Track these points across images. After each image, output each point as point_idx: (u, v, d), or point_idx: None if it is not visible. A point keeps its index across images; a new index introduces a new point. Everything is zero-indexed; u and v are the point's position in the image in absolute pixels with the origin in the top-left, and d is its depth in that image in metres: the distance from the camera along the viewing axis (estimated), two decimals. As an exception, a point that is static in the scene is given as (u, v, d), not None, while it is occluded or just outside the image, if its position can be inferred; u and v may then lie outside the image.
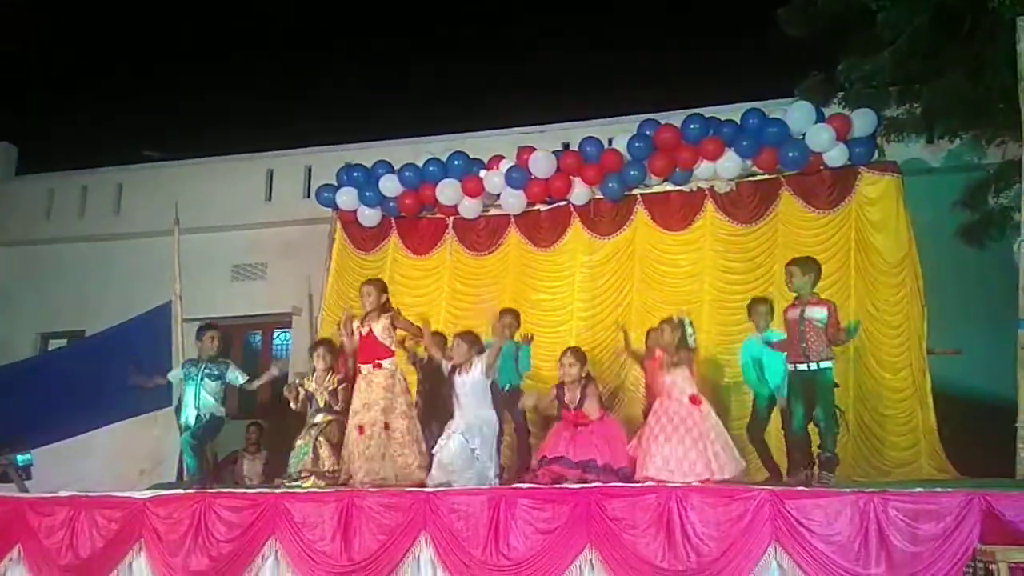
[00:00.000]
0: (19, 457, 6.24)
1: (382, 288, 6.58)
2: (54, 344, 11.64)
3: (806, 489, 4.38)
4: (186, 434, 6.81)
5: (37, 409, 7.40)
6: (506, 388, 6.77)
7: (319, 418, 6.42)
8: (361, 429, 6.01)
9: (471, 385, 5.95)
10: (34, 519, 5.34)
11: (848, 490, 4.28)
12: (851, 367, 7.48)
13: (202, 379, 6.87)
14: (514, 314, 7.26)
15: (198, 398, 6.81)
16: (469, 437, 5.69)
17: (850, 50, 8.47)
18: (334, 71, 15.47)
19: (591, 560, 4.45)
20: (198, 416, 6.79)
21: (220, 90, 14.94)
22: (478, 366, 5.96)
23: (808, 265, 6.16)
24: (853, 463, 7.06)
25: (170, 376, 7.22)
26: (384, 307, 6.43)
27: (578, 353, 6.21)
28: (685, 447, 5.50)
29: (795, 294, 6.16)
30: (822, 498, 4.24)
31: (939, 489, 4.34)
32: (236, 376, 7.00)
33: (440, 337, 7.15)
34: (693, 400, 5.74)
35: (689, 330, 5.94)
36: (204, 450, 7.03)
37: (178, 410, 7.14)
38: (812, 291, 6.08)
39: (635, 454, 5.70)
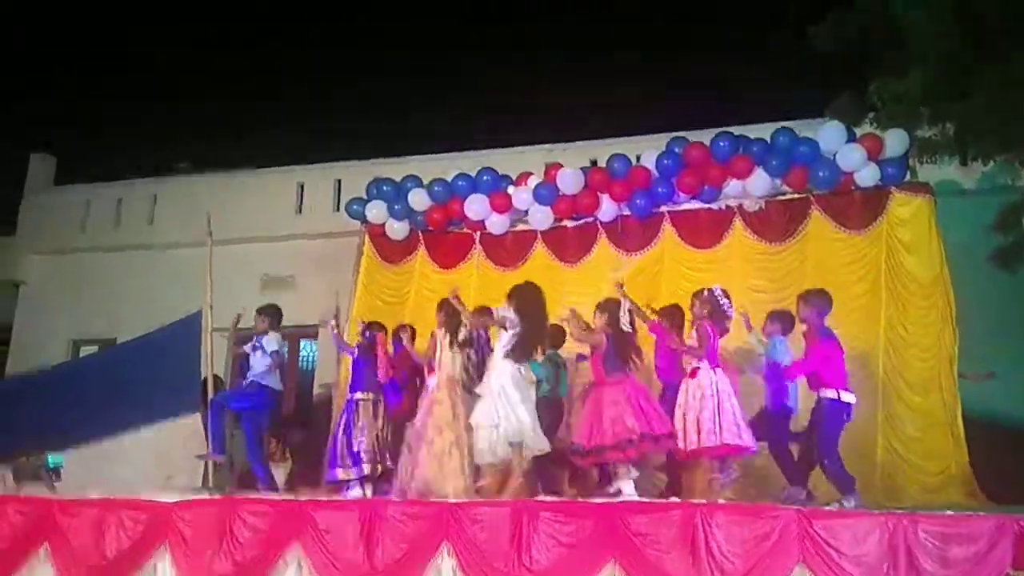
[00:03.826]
0: (50, 459, 6.34)
1: None
2: (86, 351, 11.83)
3: (834, 510, 4.32)
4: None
5: (68, 413, 7.49)
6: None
7: (358, 395, 6.97)
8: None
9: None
10: (62, 519, 5.42)
11: (878, 512, 4.21)
12: (879, 390, 7.39)
13: (253, 351, 7.49)
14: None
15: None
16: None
17: (882, 70, 8.43)
18: (364, 87, 15.68)
19: (614, 575, 4.41)
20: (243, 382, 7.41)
21: (253, 105, 15.20)
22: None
23: (806, 297, 6.25)
24: (881, 487, 6.93)
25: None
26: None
27: (601, 304, 6.22)
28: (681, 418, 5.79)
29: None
30: (850, 519, 4.18)
31: (971, 513, 4.25)
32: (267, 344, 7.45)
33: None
34: (692, 374, 5.89)
35: (723, 301, 6.06)
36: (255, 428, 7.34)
37: None
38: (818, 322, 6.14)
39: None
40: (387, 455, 6.90)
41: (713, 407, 5.77)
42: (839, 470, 5.69)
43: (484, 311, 6.94)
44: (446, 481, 6.01)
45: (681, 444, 5.85)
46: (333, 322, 7.63)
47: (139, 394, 7.71)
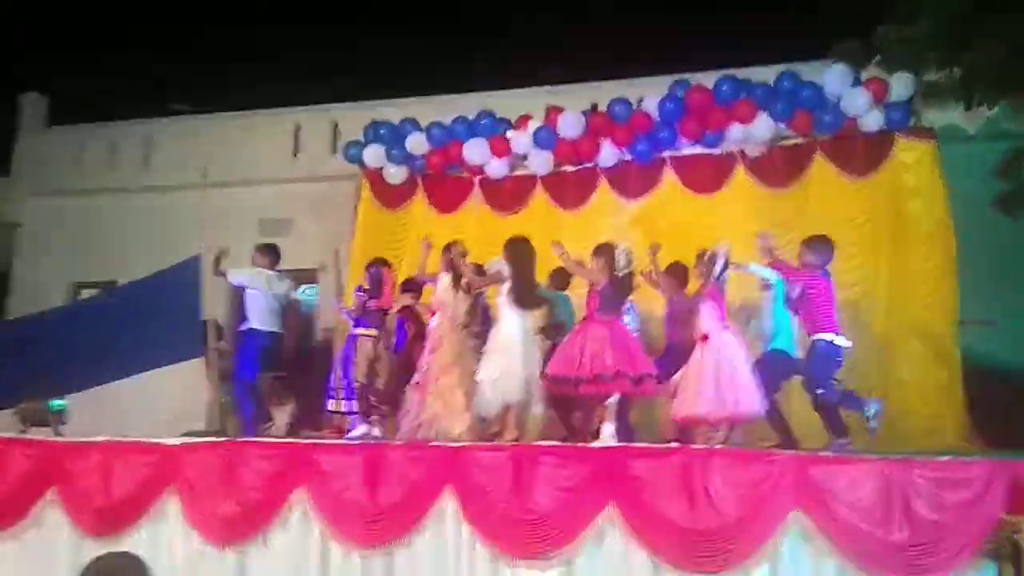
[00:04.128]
0: (55, 402, 6.39)
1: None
2: (86, 294, 11.83)
3: (830, 455, 4.39)
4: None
5: (70, 357, 7.57)
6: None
7: (359, 330, 6.93)
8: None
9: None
10: (69, 462, 5.49)
11: (873, 457, 4.27)
12: (879, 336, 7.44)
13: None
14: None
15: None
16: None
17: (888, 12, 8.26)
18: (362, 28, 15.35)
19: (612, 518, 4.50)
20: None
21: (249, 45, 14.89)
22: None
23: (810, 243, 6.22)
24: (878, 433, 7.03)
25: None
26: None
27: (597, 249, 6.13)
28: (691, 384, 5.75)
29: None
30: (846, 464, 4.24)
31: (966, 458, 4.32)
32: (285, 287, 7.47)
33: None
34: (703, 338, 5.87)
35: (719, 264, 5.96)
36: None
37: None
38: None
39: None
40: (370, 392, 6.93)
41: (730, 372, 5.71)
42: (833, 394, 5.79)
43: (478, 270, 7.01)
44: (452, 420, 6.16)
45: (684, 407, 5.80)
46: (339, 305, 7.69)
47: (140, 338, 7.76)
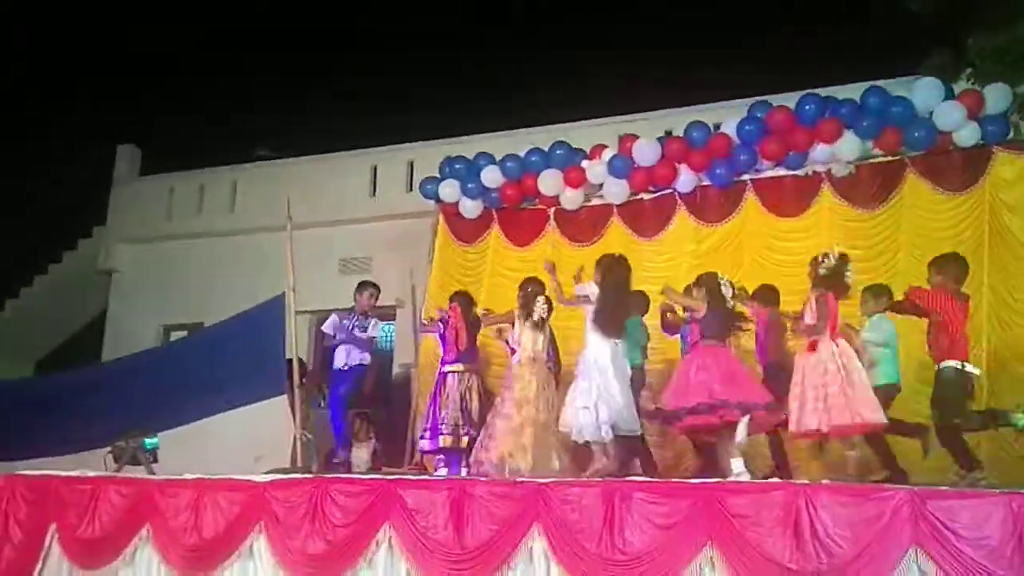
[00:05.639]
0: (147, 441, 6.52)
1: None
2: (175, 335, 12.21)
3: (949, 489, 4.06)
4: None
5: (161, 396, 7.74)
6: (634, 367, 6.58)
7: (445, 367, 7.12)
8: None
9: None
10: (161, 500, 5.56)
11: (998, 490, 3.94)
12: (984, 360, 6.99)
13: (353, 330, 7.68)
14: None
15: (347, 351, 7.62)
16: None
17: (979, 24, 7.91)
18: (434, 67, 15.66)
19: (712, 558, 4.26)
20: (345, 366, 7.62)
21: (326, 90, 15.36)
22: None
23: (939, 264, 5.97)
24: (989, 462, 6.57)
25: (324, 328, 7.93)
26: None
27: (700, 279, 6.05)
28: (799, 399, 5.52)
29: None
30: (968, 498, 3.92)
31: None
32: (376, 329, 7.75)
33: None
34: (811, 347, 5.62)
35: (830, 263, 5.72)
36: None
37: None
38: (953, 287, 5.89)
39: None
40: (469, 428, 6.97)
41: (841, 381, 5.44)
42: (962, 445, 5.52)
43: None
44: (518, 456, 6.19)
45: (795, 426, 5.59)
46: (426, 323, 7.91)
47: (227, 377, 7.88)
